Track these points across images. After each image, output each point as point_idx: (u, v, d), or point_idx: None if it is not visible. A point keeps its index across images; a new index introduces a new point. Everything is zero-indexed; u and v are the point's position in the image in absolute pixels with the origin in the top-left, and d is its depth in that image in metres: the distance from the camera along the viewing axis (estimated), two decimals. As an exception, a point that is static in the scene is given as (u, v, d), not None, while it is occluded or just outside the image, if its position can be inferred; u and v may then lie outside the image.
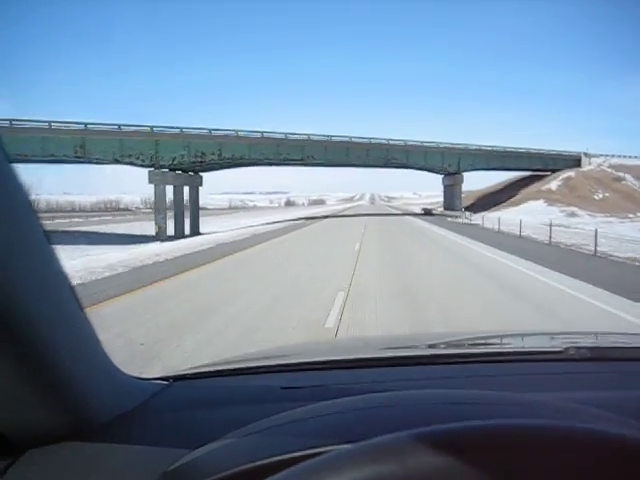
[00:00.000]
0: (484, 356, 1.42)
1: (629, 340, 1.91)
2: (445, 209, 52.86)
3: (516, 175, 65.31)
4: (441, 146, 53.58)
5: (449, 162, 52.78)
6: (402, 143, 51.43)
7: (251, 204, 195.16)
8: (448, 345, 1.72)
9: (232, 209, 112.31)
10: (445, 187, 56.55)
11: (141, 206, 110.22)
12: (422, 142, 53.16)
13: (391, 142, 50.62)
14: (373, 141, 49.73)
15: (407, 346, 1.76)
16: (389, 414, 0.80)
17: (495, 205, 53.51)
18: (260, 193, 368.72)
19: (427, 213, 56.10)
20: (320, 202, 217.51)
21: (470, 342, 1.79)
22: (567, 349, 1.31)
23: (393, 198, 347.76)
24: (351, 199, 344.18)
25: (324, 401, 0.89)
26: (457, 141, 60.40)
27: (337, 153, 47.35)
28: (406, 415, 0.78)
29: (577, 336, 1.93)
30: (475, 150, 55.83)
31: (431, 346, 1.65)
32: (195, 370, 1.37)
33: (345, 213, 58.26)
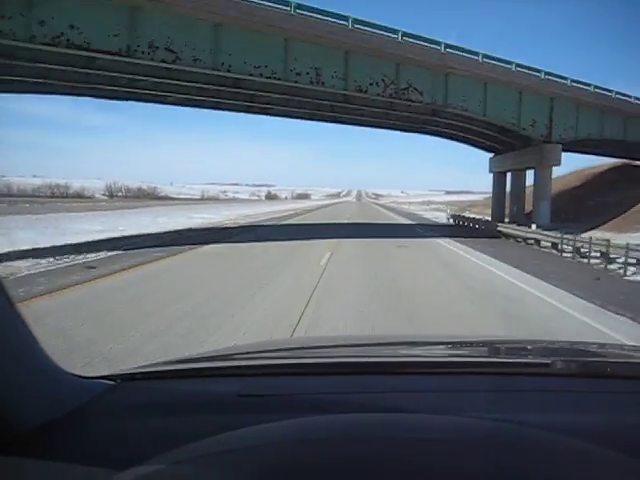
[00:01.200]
0: (461, 366, 1.31)
1: (620, 352, 1.81)
2: (511, 220, 27.95)
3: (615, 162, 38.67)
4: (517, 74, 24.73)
5: (531, 116, 25.37)
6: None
7: (231, 196, 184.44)
8: (422, 351, 1.60)
9: (205, 200, 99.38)
10: (496, 176, 31.60)
11: (105, 194, 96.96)
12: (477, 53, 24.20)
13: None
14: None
15: (380, 347, 1.67)
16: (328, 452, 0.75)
17: (597, 214, 27.67)
18: (246, 185, 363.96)
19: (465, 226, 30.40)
20: (304, 196, 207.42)
21: (447, 349, 1.68)
22: (554, 362, 1.22)
23: (380, 196, 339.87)
24: (337, 195, 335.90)
25: (278, 419, 0.84)
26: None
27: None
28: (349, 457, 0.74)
29: (563, 347, 1.87)
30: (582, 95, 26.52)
31: (405, 349, 1.59)
32: (146, 369, 1.27)
33: (317, 219, 34.09)
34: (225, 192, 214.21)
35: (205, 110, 28.03)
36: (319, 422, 0.85)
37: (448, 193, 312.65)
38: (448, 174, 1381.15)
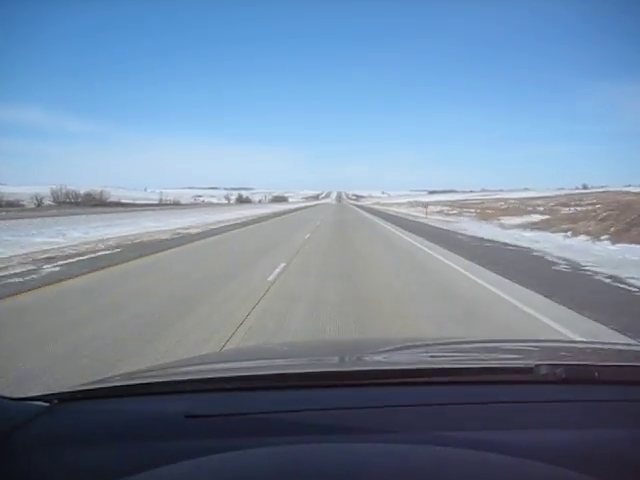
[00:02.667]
0: (435, 374, 1.15)
1: (606, 355, 1.61)
2: None
3: None
4: None
5: None
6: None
7: (204, 200, 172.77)
8: (389, 357, 1.46)
9: (161, 206, 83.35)
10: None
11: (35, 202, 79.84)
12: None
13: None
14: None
15: (345, 353, 1.56)
16: None
17: None
18: (224, 188, 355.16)
19: None
20: (281, 199, 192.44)
21: (416, 353, 1.54)
22: (538, 367, 1.10)
23: (361, 197, 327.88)
24: (316, 197, 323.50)
25: (226, 447, 0.79)
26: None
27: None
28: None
29: (545, 347, 1.75)
30: None
31: (372, 355, 1.47)
32: (87, 387, 1.14)
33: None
34: (199, 196, 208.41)
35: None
36: (274, 456, 0.76)
37: (432, 193, 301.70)
38: (431, 173, 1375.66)
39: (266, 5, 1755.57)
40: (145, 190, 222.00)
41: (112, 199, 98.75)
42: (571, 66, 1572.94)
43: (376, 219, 33.37)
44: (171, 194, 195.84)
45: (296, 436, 0.88)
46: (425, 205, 64.52)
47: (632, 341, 4.52)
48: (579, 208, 29.88)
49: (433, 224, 26.29)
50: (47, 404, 0.98)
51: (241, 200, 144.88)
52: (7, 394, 1.04)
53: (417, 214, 43.03)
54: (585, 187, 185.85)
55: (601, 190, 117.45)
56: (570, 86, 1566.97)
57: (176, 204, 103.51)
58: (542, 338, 3.67)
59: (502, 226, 22.72)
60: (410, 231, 19.46)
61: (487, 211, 42.11)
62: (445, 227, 23.36)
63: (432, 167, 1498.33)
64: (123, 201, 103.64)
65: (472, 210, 45.60)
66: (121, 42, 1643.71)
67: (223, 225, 24.78)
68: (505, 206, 55.18)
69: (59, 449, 0.84)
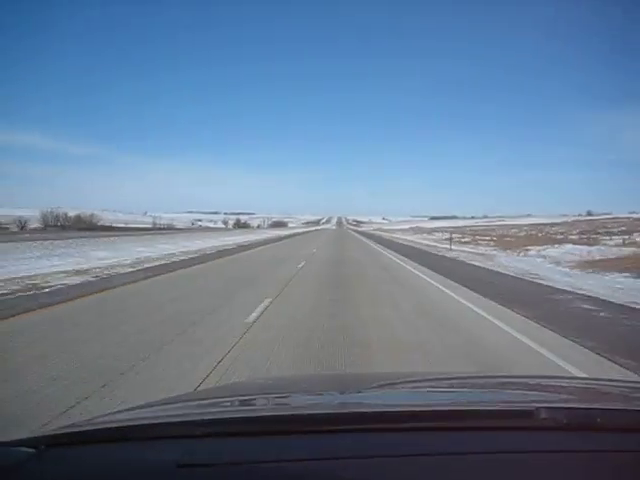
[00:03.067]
0: (432, 418, 1.08)
1: (610, 396, 1.48)
2: None
3: None
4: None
5: None
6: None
7: (202, 225, 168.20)
8: (386, 395, 1.41)
9: (153, 230, 79.23)
10: None
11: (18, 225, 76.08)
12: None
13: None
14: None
15: (344, 391, 1.50)
16: None
17: None
18: (225, 213, 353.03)
19: None
20: (280, 224, 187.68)
21: (413, 391, 1.49)
22: (538, 410, 1.04)
23: (362, 222, 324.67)
24: (317, 222, 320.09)
25: None
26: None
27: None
28: None
29: (544, 385, 1.64)
30: None
31: (368, 393, 1.41)
32: (74, 429, 1.09)
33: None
34: (199, 221, 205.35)
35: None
36: None
37: (433, 219, 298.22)
38: (432, 199, 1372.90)
39: (268, 25, 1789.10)
40: (145, 214, 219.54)
41: (103, 222, 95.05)
42: (572, 94, 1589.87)
43: (388, 253, 24.20)
44: (172, 218, 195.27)
45: None
46: (429, 232, 59.77)
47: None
48: (625, 237, 25.04)
49: (474, 262, 18.06)
50: (33, 450, 0.94)
51: (239, 225, 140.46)
52: None
53: (434, 244, 36.63)
54: (590, 214, 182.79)
55: (610, 217, 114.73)
56: (571, 113, 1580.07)
57: (170, 228, 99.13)
58: (543, 374, 3.60)
59: (557, 263, 17.13)
60: (475, 290, 10.13)
61: (506, 239, 37.35)
62: (500, 269, 15.19)
63: (432, 193, 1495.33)
64: (115, 225, 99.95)
65: (487, 238, 40.85)
66: (122, 66, 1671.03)
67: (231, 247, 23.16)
68: (522, 233, 50.46)
69: None
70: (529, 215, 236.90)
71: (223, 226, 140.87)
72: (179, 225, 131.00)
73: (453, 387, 1.57)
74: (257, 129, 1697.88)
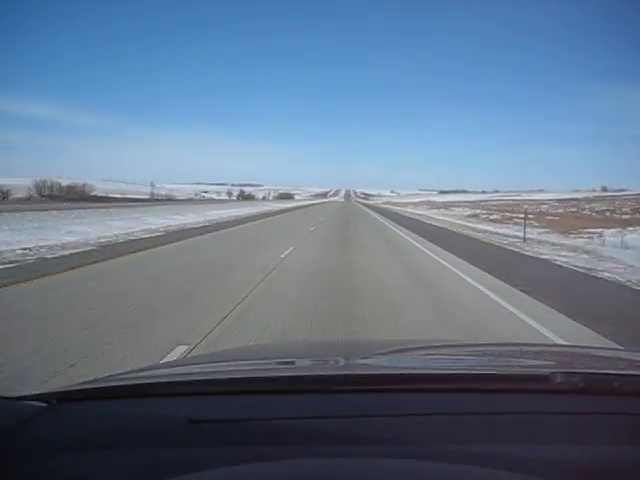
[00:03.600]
0: (446, 381, 1.08)
1: (626, 363, 1.49)
2: None
3: None
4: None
5: None
6: None
7: (207, 196, 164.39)
8: (398, 360, 1.41)
9: (152, 202, 74.55)
10: None
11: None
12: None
13: None
14: None
15: (360, 356, 1.48)
16: None
17: None
18: (232, 184, 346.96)
19: None
20: (287, 197, 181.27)
21: (427, 356, 1.49)
22: (554, 375, 1.03)
23: (370, 196, 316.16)
24: (324, 195, 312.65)
25: (236, 457, 0.76)
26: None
27: None
28: None
29: (559, 352, 1.69)
30: None
31: (377, 357, 1.40)
32: (87, 386, 1.10)
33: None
34: (205, 192, 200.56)
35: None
36: (281, 471, 0.74)
37: (442, 193, 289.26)
38: (440, 172, 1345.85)
39: (275, 2, 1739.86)
40: (152, 185, 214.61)
41: (97, 193, 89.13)
42: (580, 68, 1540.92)
43: (413, 237, 17.73)
44: (176, 189, 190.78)
45: (306, 446, 0.83)
46: (443, 206, 53.01)
47: None
48: None
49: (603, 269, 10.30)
50: (45, 404, 0.94)
51: (243, 197, 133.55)
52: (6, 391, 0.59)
53: (466, 223, 27.94)
54: (605, 189, 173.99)
55: (632, 193, 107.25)
56: (581, 88, 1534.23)
57: (168, 199, 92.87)
58: (558, 343, 3.80)
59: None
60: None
61: (548, 218, 30.67)
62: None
63: (441, 167, 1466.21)
64: (112, 195, 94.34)
65: (521, 216, 34.26)
66: (128, 36, 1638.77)
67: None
68: (558, 210, 43.56)
69: (58, 453, 0.80)
70: (541, 190, 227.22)
71: (227, 198, 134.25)
72: (180, 196, 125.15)
73: (467, 354, 1.54)
74: (268, 102, 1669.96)
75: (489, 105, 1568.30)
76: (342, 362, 1.38)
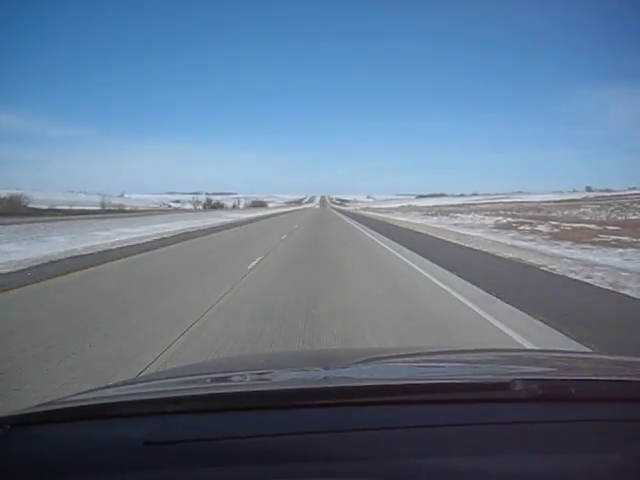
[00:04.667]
0: (403, 392, 1.05)
1: (584, 368, 1.50)
2: None
3: None
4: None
5: None
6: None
7: (174, 205, 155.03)
8: (363, 370, 1.39)
9: (102, 213, 63.15)
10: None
11: None
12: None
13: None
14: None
15: (326, 366, 1.43)
16: None
17: None
18: (206, 193, 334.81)
19: None
20: (260, 205, 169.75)
21: (387, 366, 1.48)
22: (514, 382, 1.02)
23: (346, 201, 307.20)
24: (299, 202, 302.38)
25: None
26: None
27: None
28: None
29: (521, 357, 1.72)
30: None
31: (345, 369, 1.38)
32: (41, 409, 1.04)
33: None
34: (176, 202, 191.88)
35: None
36: None
37: (420, 197, 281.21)
38: (416, 177, 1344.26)
39: (255, 7, 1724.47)
40: (122, 196, 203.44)
41: (34, 205, 76.58)
42: (554, 69, 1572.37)
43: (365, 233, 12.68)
44: (146, 200, 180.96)
45: (273, 465, 0.80)
46: (433, 210, 42.58)
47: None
48: None
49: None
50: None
51: (211, 206, 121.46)
52: None
53: (516, 242, 18.63)
54: (590, 190, 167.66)
55: (611, 193, 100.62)
56: (556, 88, 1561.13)
57: (121, 211, 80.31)
58: (519, 347, 3.75)
59: None
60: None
61: (565, 226, 20.25)
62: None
63: (417, 172, 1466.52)
64: (59, 207, 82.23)
65: (531, 222, 23.54)
66: (98, 46, 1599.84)
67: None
68: (573, 212, 33.22)
69: None
70: (520, 192, 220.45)
71: (190, 208, 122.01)
72: (142, 207, 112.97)
73: (433, 362, 1.55)
74: (245, 111, 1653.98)
75: (465, 106, 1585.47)
76: (316, 374, 1.32)
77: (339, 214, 65.54)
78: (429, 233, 22.43)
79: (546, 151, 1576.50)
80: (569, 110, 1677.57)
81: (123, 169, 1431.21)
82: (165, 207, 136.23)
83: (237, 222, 35.63)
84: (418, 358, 1.59)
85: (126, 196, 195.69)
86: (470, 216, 37.98)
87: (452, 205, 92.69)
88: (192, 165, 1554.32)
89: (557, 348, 3.75)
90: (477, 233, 22.06)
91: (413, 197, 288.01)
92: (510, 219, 29.15)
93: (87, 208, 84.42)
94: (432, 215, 47.64)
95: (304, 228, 27.00)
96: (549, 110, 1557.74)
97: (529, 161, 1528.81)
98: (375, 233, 22.36)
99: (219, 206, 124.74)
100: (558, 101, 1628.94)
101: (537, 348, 3.67)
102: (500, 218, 30.82)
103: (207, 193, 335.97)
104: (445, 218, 39.02)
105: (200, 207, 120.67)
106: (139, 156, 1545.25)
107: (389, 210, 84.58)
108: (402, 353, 1.73)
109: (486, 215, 36.84)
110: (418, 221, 36.45)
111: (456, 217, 39.05)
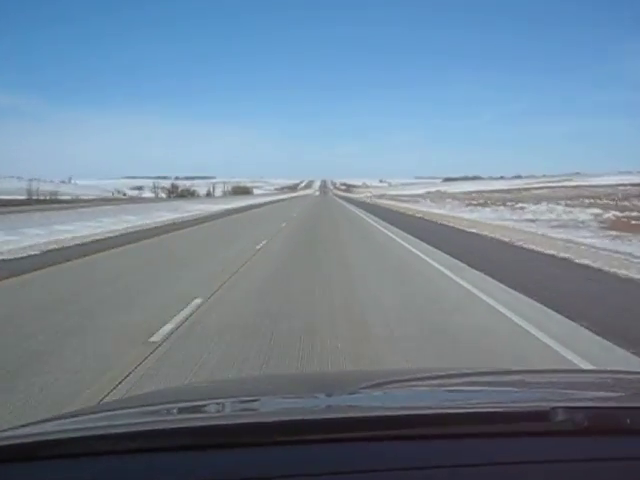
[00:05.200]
0: (426, 423, 1.06)
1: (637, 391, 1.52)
2: None
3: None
4: None
5: None
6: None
7: (131, 193, 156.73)
8: (373, 396, 1.41)
9: (24, 204, 58.86)
10: None
11: None
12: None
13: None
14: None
15: (319, 395, 1.45)
16: None
17: None
18: (176, 178, 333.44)
19: None
20: (244, 192, 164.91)
21: (407, 391, 1.52)
22: (554, 411, 1.02)
23: (353, 187, 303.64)
24: (294, 187, 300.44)
25: None
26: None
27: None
28: None
29: (560, 380, 1.72)
30: None
31: (346, 395, 1.42)
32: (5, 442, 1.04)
33: None
34: (139, 188, 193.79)
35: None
36: None
37: (448, 180, 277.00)
38: (441, 156, 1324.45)
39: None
40: (69, 181, 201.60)
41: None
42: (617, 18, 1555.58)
43: None
44: (98, 186, 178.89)
45: None
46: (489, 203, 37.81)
47: None
48: None
49: None
50: None
51: (178, 193, 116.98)
52: None
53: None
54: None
55: None
56: (618, 42, 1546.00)
57: (52, 201, 75.54)
58: (555, 368, 3.66)
59: None
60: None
61: None
62: None
63: (442, 149, 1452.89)
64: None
65: None
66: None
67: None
68: None
69: None
70: (578, 174, 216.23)
71: (152, 195, 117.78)
72: (88, 196, 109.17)
73: (454, 385, 1.57)
74: (222, 75, 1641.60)
75: (502, 66, 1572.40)
76: (315, 402, 1.34)
77: (348, 205, 58.90)
78: (532, 246, 16.94)
79: (604, 122, 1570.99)
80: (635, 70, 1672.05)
81: (75, 149, 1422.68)
82: (120, 196, 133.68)
83: (199, 219, 30.73)
84: (437, 382, 1.59)
85: (75, 182, 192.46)
86: (543, 207, 33.24)
87: (495, 190, 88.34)
88: (161, 144, 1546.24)
89: (607, 368, 3.74)
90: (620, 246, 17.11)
91: (439, 180, 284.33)
92: (617, 212, 24.34)
93: (14, 197, 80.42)
94: (479, 205, 42.87)
95: (289, 242, 17.62)
96: (608, 71, 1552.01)
97: (585, 135, 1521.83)
98: (458, 263, 15.12)
99: (189, 193, 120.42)
100: (620, 58, 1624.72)
101: (581, 368, 3.85)
102: (597, 211, 26.02)
103: (177, 177, 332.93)
104: (506, 211, 34.25)
105: (163, 195, 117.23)
106: (95, 132, 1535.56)
107: (414, 198, 79.60)
108: (419, 376, 1.74)
109: (567, 206, 32.10)
110: (467, 216, 31.49)
111: (521, 209, 34.30)
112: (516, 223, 24.53)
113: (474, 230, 21.44)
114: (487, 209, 36.91)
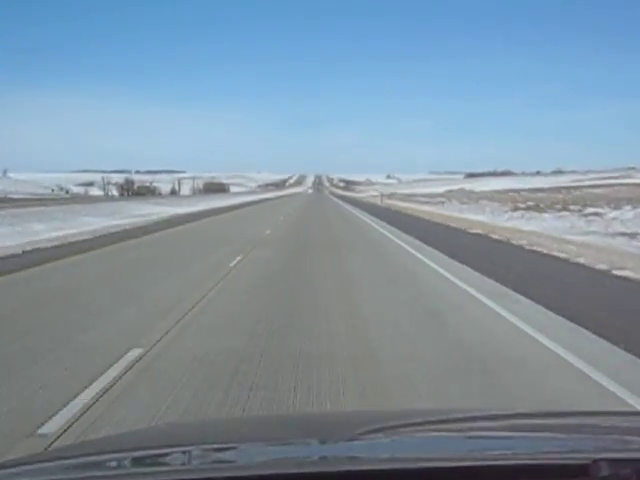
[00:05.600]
0: (429, 478, 1.08)
1: None
2: None
3: None
4: None
5: None
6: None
7: (76, 190, 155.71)
8: (382, 443, 1.42)
9: None
10: None
11: None
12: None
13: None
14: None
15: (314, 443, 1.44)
16: None
17: None
18: (137, 172, 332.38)
19: None
20: (219, 189, 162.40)
21: (423, 435, 1.51)
22: (596, 464, 1.04)
23: (355, 183, 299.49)
24: (282, 184, 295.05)
25: None
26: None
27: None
28: None
29: (602, 425, 1.65)
30: None
31: (346, 442, 1.39)
32: None
33: None
34: (89, 184, 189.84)
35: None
36: None
37: (471, 176, 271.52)
38: (463, 146, 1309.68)
39: None
40: (4, 174, 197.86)
41: None
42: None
43: None
44: (41, 182, 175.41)
45: None
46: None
47: None
48: None
49: None
50: None
51: (134, 191, 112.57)
52: None
53: None
54: None
55: None
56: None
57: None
58: (592, 410, 3.54)
59: None
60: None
61: None
62: None
63: (462, 138, 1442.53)
64: None
65: None
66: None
67: None
68: None
69: None
70: (632, 168, 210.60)
71: (101, 194, 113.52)
72: (19, 195, 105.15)
73: (474, 430, 1.56)
74: (192, 46, 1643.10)
75: (536, 37, 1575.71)
76: (306, 450, 1.34)
77: (353, 210, 52.87)
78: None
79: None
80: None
81: (11, 135, 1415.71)
82: (62, 193, 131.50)
83: (114, 234, 24.18)
84: (453, 426, 1.58)
85: (10, 175, 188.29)
86: (629, 213, 26.72)
87: (536, 189, 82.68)
88: (118, 135, 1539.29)
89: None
90: None
91: (460, 176, 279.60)
92: None
93: None
94: (530, 209, 36.41)
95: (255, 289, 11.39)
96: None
97: (633, 121, 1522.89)
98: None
99: (148, 191, 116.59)
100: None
101: (627, 410, 3.67)
102: None
103: (138, 171, 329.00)
104: (575, 218, 27.70)
105: (115, 192, 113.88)
106: (40, 116, 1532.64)
107: (434, 198, 73.41)
108: (430, 419, 1.72)
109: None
110: (526, 227, 24.73)
111: (597, 215, 27.75)
112: (613, 240, 18.13)
113: (603, 267, 12.99)
114: (546, 215, 30.52)
